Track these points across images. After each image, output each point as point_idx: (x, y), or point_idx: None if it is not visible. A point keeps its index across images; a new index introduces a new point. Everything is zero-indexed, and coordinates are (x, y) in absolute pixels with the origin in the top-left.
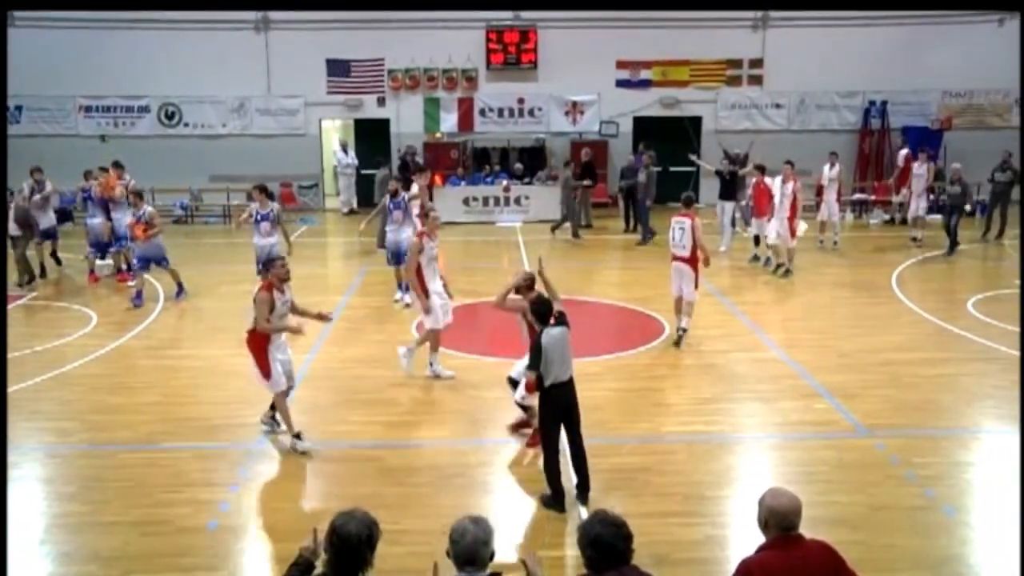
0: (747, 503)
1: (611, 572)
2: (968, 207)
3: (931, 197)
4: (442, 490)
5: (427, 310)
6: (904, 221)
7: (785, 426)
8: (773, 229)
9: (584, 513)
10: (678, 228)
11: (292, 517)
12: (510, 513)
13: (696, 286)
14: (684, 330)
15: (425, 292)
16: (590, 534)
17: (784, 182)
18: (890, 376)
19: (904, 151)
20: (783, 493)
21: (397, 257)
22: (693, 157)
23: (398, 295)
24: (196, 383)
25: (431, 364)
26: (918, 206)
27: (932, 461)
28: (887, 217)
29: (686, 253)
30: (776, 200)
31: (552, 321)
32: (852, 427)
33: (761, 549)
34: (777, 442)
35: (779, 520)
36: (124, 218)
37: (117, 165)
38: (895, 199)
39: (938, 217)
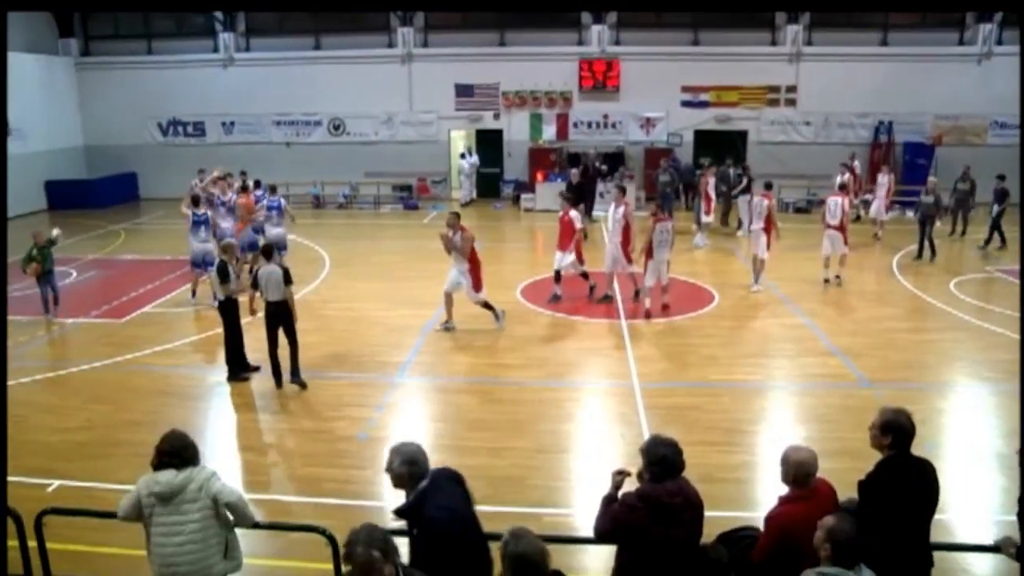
0: (775, 437)
1: (670, 481)
2: (939, 221)
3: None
4: (536, 417)
5: (768, 245)
6: (858, 218)
7: (805, 377)
8: (609, 255)
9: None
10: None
11: (422, 431)
12: (589, 436)
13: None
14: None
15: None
16: (657, 454)
17: (616, 207)
18: (887, 340)
19: (856, 163)
20: (801, 448)
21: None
22: (748, 166)
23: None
24: (352, 329)
25: (755, 281)
26: (879, 208)
27: (918, 408)
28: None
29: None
30: (609, 225)
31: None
32: (857, 379)
33: (784, 502)
34: (798, 389)
35: (805, 471)
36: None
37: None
38: (856, 201)
39: (894, 214)
